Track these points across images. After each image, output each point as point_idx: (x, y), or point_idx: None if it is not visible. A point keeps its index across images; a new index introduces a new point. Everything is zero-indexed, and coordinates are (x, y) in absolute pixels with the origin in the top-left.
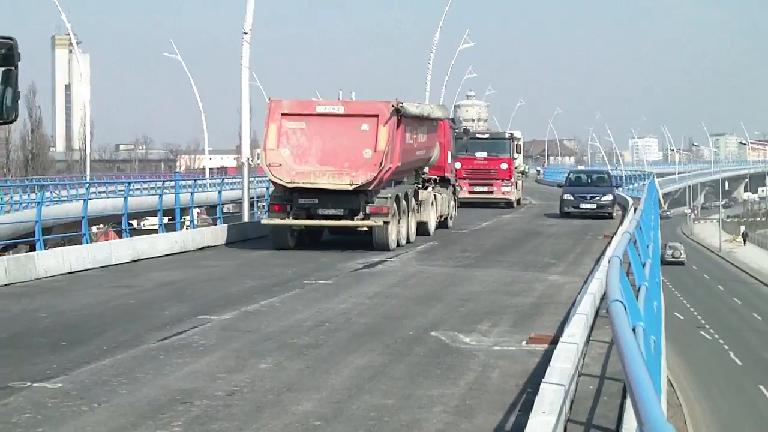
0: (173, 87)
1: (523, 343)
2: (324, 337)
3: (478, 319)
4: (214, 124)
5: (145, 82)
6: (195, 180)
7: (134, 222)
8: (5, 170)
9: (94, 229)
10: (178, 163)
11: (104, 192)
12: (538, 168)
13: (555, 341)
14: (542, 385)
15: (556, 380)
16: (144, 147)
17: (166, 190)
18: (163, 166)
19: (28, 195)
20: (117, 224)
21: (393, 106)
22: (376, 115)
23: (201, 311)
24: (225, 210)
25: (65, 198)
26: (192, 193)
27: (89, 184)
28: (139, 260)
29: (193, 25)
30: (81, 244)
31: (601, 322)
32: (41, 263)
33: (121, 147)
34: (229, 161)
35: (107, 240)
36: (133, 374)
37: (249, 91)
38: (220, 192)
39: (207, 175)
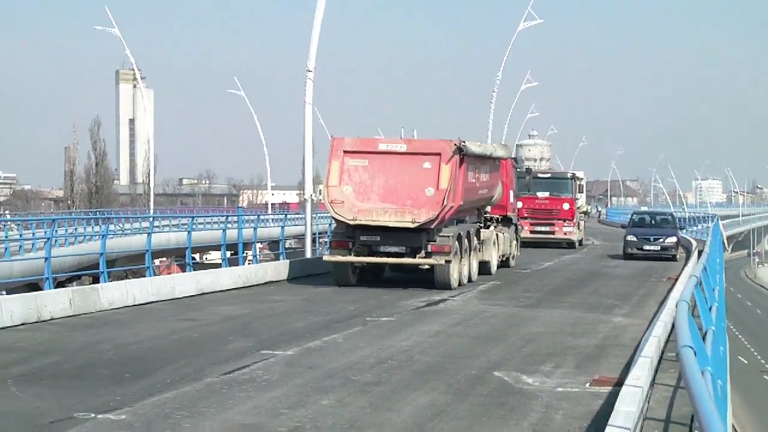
0: (237, 122)
1: (587, 384)
2: (386, 375)
3: (541, 359)
4: (277, 160)
5: (209, 117)
6: (258, 215)
7: (197, 256)
8: (69, 202)
9: (156, 262)
10: (240, 198)
11: (167, 225)
12: (600, 208)
13: (619, 383)
14: (607, 428)
15: (620, 423)
16: (207, 181)
17: (229, 225)
18: (225, 200)
19: (92, 227)
20: (180, 258)
21: (455, 144)
22: (439, 154)
23: (264, 346)
24: (287, 245)
25: (129, 231)
26: (255, 228)
27: (153, 217)
28: (202, 294)
29: (256, 61)
30: (144, 276)
31: (665, 365)
32: (105, 295)
33: (185, 181)
34: (291, 197)
35: (170, 273)
36: (196, 408)
37: (312, 127)
38: (283, 227)
39: (269, 211)
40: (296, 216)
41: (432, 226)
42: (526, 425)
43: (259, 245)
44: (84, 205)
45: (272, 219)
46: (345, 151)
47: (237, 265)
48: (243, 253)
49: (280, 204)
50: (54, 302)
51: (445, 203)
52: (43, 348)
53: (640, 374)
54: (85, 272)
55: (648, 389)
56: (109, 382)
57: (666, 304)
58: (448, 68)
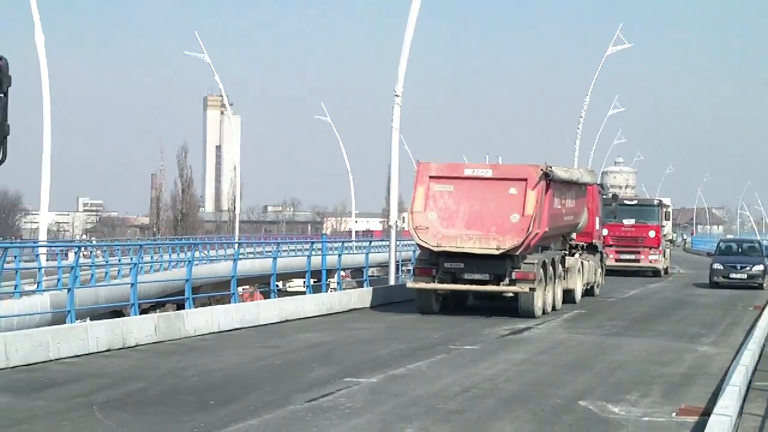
0: (322, 148)
1: (673, 414)
2: (471, 403)
3: (628, 388)
4: (361, 187)
5: (295, 143)
6: (342, 242)
7: (279, 283)
8: (155, 229)
9: (240, 289)
10: (324, 226)
11: (251, 253)
12: (686, 236)
13: (706, 413)
14: None
15: None
16: (291, 209)
17: (313, 252)
18: (309, 228)
19: (177, 254)
20: (263, 285)
21: (542, 170)
22: (525, 179)
23: (348, 373)
24: (370, 273)
25: (213, 258)
26: (339, 255)
27: (238, 244)
28: (286, 321)
29: (343, 87)
30: (229, 303)
31: (753, 395)
32: (190, 322)
33: (269, 208)
34: (375, 224)
35: (253, 300)
36: None
37: (398, 153)
38: (367, 255)
39: (353, 238)
40: (379, 243)
41: (517, 253)
42: None
43: (342, 273)
44: (169, 232)
45: (356, 246)
46: (431, 177)
47: (320, 292)
48: (326, 280)
49: (363, 231)
50: (139, 328)
51: (530, 230)
52: (128, 374)
53: (729, 403)
54: (170, 299)
55: (736, 419)
56: (193, 408)
57: (753, 332)
58: (534, 92)
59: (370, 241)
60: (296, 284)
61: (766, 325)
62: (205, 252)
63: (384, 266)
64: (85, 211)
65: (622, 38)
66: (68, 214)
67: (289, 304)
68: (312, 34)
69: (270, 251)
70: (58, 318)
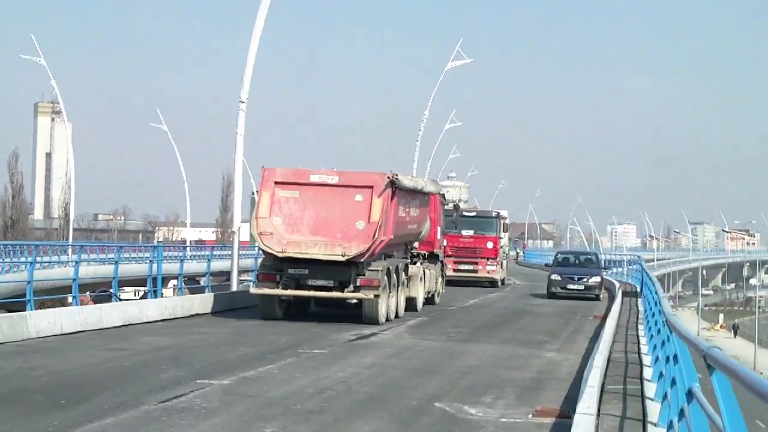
0: (155, 157)
1: (530, 416)
2: (327, 404)
3: (481, 391)
4: (194, 197)
5: (129, 151)
6: (185, 247)
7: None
8: None
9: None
10: (156, 235)
11: (85, 259)
12: (518, 250)
13: (562, 415)
14: None
15: None
16: (123, 217)
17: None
18: (141, 237)
19: (11, 258)
20: (92, 292)
21: (388, 177)
22: (371, 186)
23: (199, 375)
24: (202, 282)
25: (47, 263)
26: (181, 260)
27: (81, 246)
28: (129, 325)
29: (178, 94)
30: (68, 307)
31: (607, 397)
32: (33, 324)
33: (100, 216)
34: (208, 234)
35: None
36: None
37: (242, 159)
38: (209, 261)
39: (188, 246)
40: (216, 253)
41: (362, 260)
42: None
43: (173, 282)
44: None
45: (192, 255)
46: (276, 182)
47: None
48: (161, 287)
49: (196, 241)
50: None
51: (375, 236)
52: None
53: (591, 403)
54: (12, 300)
55: (595, 419)
56: (45, 407)
57: (601, 338)
58: (374, 104)
59: (213, 248)
60: (128, 291)
61: (612, 330)
62: (39, 257)
63: (218, 274)
64: None
65: (462, 53)
66: None
67: (131, 308)
68: (150, 39)
69: (104, 258)
70: None
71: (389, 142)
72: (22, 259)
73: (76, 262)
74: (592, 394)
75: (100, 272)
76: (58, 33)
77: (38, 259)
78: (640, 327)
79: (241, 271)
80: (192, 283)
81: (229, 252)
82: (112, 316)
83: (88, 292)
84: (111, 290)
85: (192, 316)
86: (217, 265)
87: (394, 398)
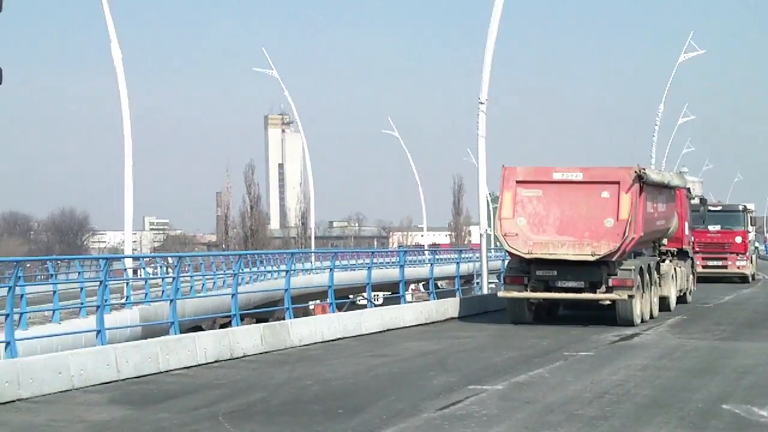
0: (388, 163)
1: None
2: (609, 409)
3: (767, 392)
4: (426, 201)
5: (361, 158)
6: (434, 251)
7: (351, 296)
8: (224, 246)
9: (310, 304)
10: (390, 240)
11: (337, 266)
12: (758, 244)
13: None
14: None
15: None
16: (357, 224)
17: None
18: (375, 242)
19: (250, 268)
20: (341, 298)
21: (635, 172)
22: (617, 182)
23: (470, 381)
24: (439, 286)
25: (294, 270)
26: (432, 264)
27: (334, 254)
28: (387, 330)
29: (408, 102)
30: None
31: None
32: (295, 332)
33: (335, 224)
34: (441, 238)
35: (324, 313)
36: None
37: (465, 165)
38: (458, 264)
39: (427, 250)
40: (447, 257)
41: (613, 259)
42: None
43: (412, 286)
44: (240, 249)
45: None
46: (518, 181)
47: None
48: (404, 292)
49: (430, 245)
50: (245, 339)
51: (626, 234)
52: (245, 384)
53: None
54: (271, 309)
55: None
56: (322, 418)
57: None
58: (610, 98)
59: (461, 250)
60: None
61: None
62: (283, 265)
63: (452, 278)
64: (151, 229)
65: (694, 45)
66: (135, 233)
67: (388, 313)
68: (378, 49)
69: (345, 264)
70: (147, 331)
71: (618, 138)
72: (261, 269)
73: (331, 269)
74: None
75: (342, 279)
76: (286, 48)
77: (274, 267)
78: None
79: (478, 274)
80: (427, 288)
81: (470, 255)
82: (370, 321)
83: (318, 301)
84: (351, 297)
85: (447, 320)
86: (447, 269)
87: (677, 401)
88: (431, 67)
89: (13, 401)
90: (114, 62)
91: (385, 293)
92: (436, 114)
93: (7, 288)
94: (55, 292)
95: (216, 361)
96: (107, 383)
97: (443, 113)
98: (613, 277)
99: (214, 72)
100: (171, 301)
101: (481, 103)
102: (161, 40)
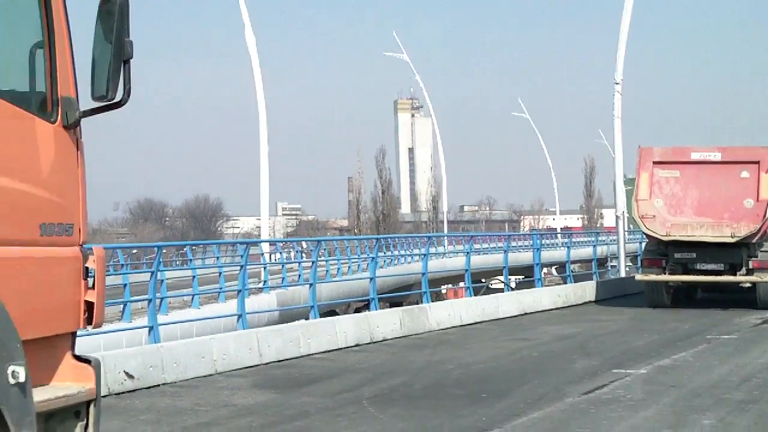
0: (517, 146)
1: None
2: (758, 392)
3: None
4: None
5: (491, 142)
6: (569, 234)
7: (483, 280)
8: (356, 231)
9: (443, 288)
10: (521, 224)
11: (452, 251)
12: None
13: None
14: None
15: None
16: (488, 208)
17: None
18: (507, 226)
19: (376, 252)
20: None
21: None
22: (757, 162)
23: (613, 365)
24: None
25: (419, 255)
26: (568, 248)
27: (471, 237)
28: (524, 314)
29: (536, 85)
30: (462, 298)
31: None
32: (433, 316)
33: (465, 208)
34: (573, 221)
35: (457, 297)
36: (569, 428)
37: (597, 147)
38: (595, 246)
39: (560, 233)
40: (579, 240)
41: (753, 241)
42: None
43: (544, 270)
44: (371, 233)
45: (560, 243)
46: (654, 162)
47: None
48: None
49: (562, 228)
50: (384, 323)
51: (766, 215)
52: (385, 369)
53: None
54: (407, 293)
55: None
56: (466, 402)
57: None
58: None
59: (597, 234)
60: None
61: None
62: (415, 250)
63: (585, 262)
64: (284, 215)
65: None
66: (269, 219)
67: (526, 297)
68: (502, 29)
69: (478, 248)
70: (284, 316)
71: (757, 119)
72: (395, 253)
73: (467, 253)
74: None
75: (476, 263)
76: (416, 32)
77: (407, 252)
78: None
79: (612, 257)
80: (561, 271)
81: (603, 239)
82: (508, 305)
83: (450, 285)
84: (483, 281)
85: (584, 303)
86: (580, 252)
87: None
88: (562, 49)
89: (158, 385)
90: (248, 49)
91: (517, 277)
92: (566, 95)
93: (149, 273)
94: (194, 277)
95: (356, 345)
96: (249, 367)
97: (574, 94)
98: (753, 259)
99: (345, 57)
100: (311, 285)
101: (617, 83)
102: (291, 28)
